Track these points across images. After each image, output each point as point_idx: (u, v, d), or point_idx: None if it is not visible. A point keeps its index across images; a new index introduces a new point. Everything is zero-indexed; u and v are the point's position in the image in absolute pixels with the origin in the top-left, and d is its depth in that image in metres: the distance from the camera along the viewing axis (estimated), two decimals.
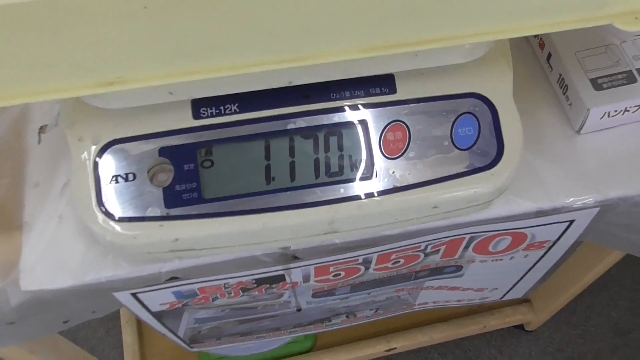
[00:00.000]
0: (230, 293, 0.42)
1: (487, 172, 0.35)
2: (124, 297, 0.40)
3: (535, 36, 0.43)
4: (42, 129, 0.39)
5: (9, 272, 0.38)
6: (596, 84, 0.39)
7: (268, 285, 0.42)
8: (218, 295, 0.43)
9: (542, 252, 0.46)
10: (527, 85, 0.43)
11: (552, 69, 0.42)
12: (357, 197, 0.34)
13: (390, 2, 0.29)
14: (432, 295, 0.55)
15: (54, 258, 0.37)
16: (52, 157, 0.41)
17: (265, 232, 0.34)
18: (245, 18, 0.28)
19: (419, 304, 0.61)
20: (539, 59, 0.44)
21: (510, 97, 0.36)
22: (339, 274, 0.44)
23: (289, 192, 0.34)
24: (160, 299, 0.42)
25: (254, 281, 0.41)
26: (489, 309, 0.82)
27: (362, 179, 0.34)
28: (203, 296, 0.43)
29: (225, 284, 0.40)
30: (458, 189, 0.35)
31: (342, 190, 0.34)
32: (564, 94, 0.41)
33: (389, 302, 0.59)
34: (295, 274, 0.42)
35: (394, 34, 0.30)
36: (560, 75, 0.41)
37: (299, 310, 0.54)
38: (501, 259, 0.47)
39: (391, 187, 0.34)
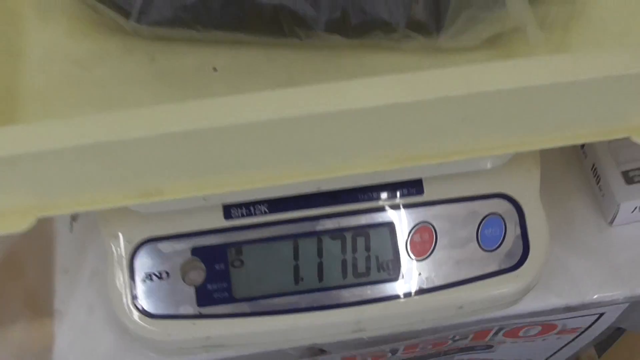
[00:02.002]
0: None
1: (513, 273, 0.41)
2: None
3: None
4: (74, 218, 0.46)
5: (43, 358, 0.44)
6: (627, 177, 0.45)
7: None
8: None
9: (574, 335, 0.52)
10: (563, 170, 0.48)
11: (586, 156, 0.48)
12: (384, 299, 0.40)
13: (415, 124, 0.35)
14: None
15: (86, 347, 0.44)
16: (81, 244, 0.47)
17: (294, 332, 0.40)
18: (277, 141, 0.34)
19: None
20: (575, 146, 0.49)
21: (537, 196, 0.41)
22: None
23: (317, 293, 0.40)
24: None
25: None
26: None
27: (389, 280, 0.40)
28: None
29: None
30: (483, 290, 0.40)
31: (369, 292, 0.40)
32: (597, 184, 0.46)
33: None
34: None
35: (421, 148, 0.36)
36: (594, 164, 0.46)
37: None
38: (533, 341, 0.53)
39: (417, 288, 0.40)
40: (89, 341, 0.43)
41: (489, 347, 0.53)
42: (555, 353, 0.57)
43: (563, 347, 0.55)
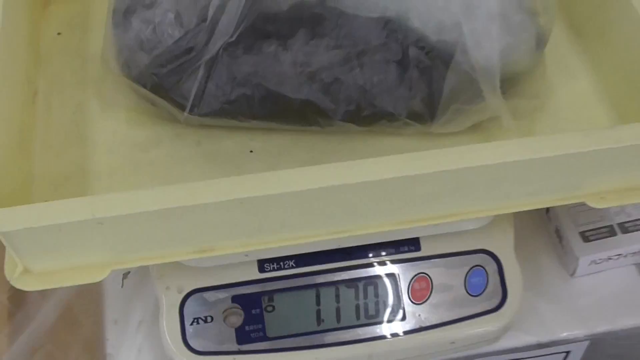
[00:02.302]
0: None
1: (494, 314, 0.50)
2: None
3: None
4: (125, 276, 0.55)
5: None
6: (584, 237, 0.55)
7: None
8: None
9: None
10: (532, 232, 0.58)
11: (550, 220, 0.58)
12: (391, 336, 0.49)
13: (416, 192, 0.44)
14: None
15: None
16: (128, 298, 0.56)
17: None
18: (305, 207, 0.43)
19: None
20: (541, 212, 0.59)
21: (513, 252, 0.51)
22: None
23: (335, 332, 0.49)
24: None
25: None
26: None
27: (394, 320, 0.49)
28: None
29: None
30: (471, 328, 0.50)
31: (379, 330, 0.49)
32: (560, 243, 0.56)
33: None
34: None
35: (419, 213, 0.46)
36: (557, 227, 0.56)
37: None
38: None
39: (417, 327, 0.49)
40: None
41: None
42: None
43: None
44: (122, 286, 0.54)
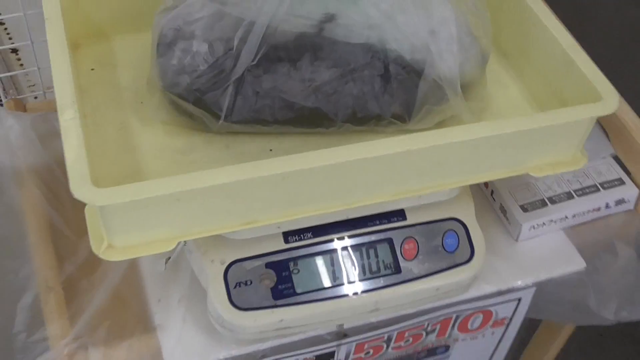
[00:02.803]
0: None
1: (466, 265, 0.65)
2: None
3: (484, 183, 0.75)
4: (167, 260, 0.66)
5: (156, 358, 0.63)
6: (523, 208, 0.71)
7: None
8: None
9: (503, 329, 0.75)
10: (481, 212, 0.74)
11: (495, 200, 0.74)
12: (391, 286, 0.63)
13: (403, 175, 0.59)
14: None
15: (186, 347, 0.63)
16: (166, 280, 0.67)
17: (334, 312, 0.62)
18: (330, 185, 0.57)
19: None
20: (486, 196, 0.75)
21: (474, 219, 0.66)
22: (369, 352, 0.71)
23: (348, 285, 0.62)
24: None
25: (314, 357, 0.67)
26: None
27: (393, 274, 0.63)
28: None
29: None
30: (450, 277, 0.64)
31: (381, 282, 0.63)
32: (505, 216, 0.73)
33: None
34: (342, 351, 0.68)
35: (407, 187, 0.60)
36: (501, 204, 0.73)
37: None
38: (477, 337, 0.76)
39: (410, 277, 0.63)
40: (188, 344, 0.63)
41: (446, 348, 0.76)
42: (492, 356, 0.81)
43: (497, 346, 0.78)
44: (165, 269, 0.66)
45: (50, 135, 0.73)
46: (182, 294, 0.66)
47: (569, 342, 0.94)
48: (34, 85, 0.86)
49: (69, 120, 0.55)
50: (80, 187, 0.51)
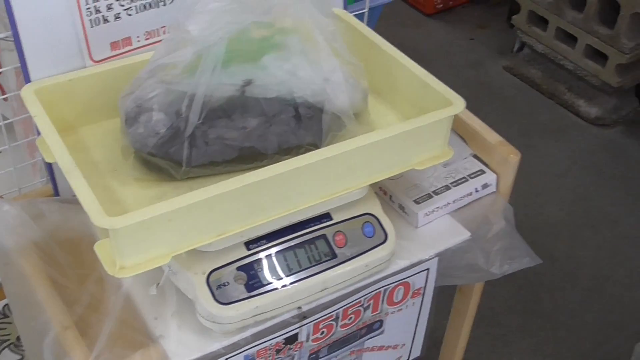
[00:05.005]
0: (269, 357, 0.87)
1: (383, 245, 0.88)
2: None
3: (381, 189, 0.99)
4: (157, 285, 0.85)
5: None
6: (416, 202, 0.96)
7: (289, 346, 0.88)
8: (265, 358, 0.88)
9: (421, 298, 0.98)
10: (385, 213, 0.98)
11: (393, 202, 0.98)
12: (332, 267, 0.85)
13: (326, 181, 0.82)
14: (370, 357, 1.03)
15: (186, 347, 0.82)
16: (157, 301, 0.86)
17: (294, 294, 0.83)
18: (275, 195, 0.80)
19: None
20: (386, 200, 0.99)
21: (382, 211, 0.90)
22: (324, 332, 0.91)
23: (300, 272, 0.84)
24: None
25: (284, 340, 0.87)
26: None
27: (332, 259, 0.85)
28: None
29: (269, 346, 0.86)
30: (373, 255, 0.87)
31: (325, 266, 0.85)
32: (404, 212, 0.97)
33: None
34: (303, 332, 0.88)
35: (332, 191, 0.83)
36: (399, 203, 0.97)
37: None
38: (402, 309, 0.98)
39: (345, 259, 0.86)
40: (185, 343, 0.82)
41: (380, 323, 0.98)
42: (416, 330, 1.03)
43: (419, 317, 1.00)
44: (156, 292, 0.85)
45: (38, 216, 0.92)
46: (172, 310, 0.86)
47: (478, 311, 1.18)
48: None
49: (76, 178, 0.76)
50: (99, 218, 0.72)
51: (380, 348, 1.05)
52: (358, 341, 1.00)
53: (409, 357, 1.11)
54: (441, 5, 3.05)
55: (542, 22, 2.58)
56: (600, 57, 2.42)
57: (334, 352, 0.98)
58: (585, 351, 1.83)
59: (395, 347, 1.07)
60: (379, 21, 1.75)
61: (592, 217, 2.20)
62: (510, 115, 2.57)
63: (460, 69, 2.77)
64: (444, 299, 1.09)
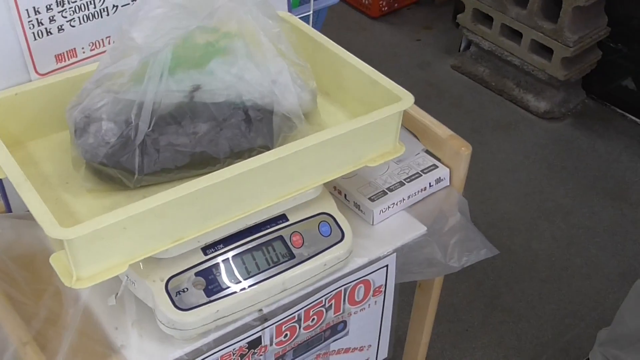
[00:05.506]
0: None
1: (340, 243, 0.89)
2: None
3: (335, 188, 1.01)
4: (116, 295, 0.85)
5: None
6: (371, 199, 0.97)
7: (253, 350, 0.89)
8: None
9: (382, 296, 0.99)
10: (340, 210, 0.99)
11: (348, 200, 0.99)
12: (290, 267, 0.85)
13: (279, 181, 0.83)
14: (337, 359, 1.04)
15: (148, 356, 0.82)
16: (116, 311, 0.86)
17: (254, 297, 0.84)
18: (228, 198, 0.80)
19: None
20: (341, 200, 1.00)
21: (337, 210, 0.91)
22: (287, 334, 0.92)
23: (258, 275, 0.84)
24: None
25: (247, 344, 0.87)
26: None
27: (290, 259, 0.86)
28: None
29: (232, 351, 0.86)
30: (331, 253, 0.88)
31: (284, 267, 0.85)
32: (359, 210, 0.98)
33: None
34: (266, 335, 0.89)
35: (286, 192, 0.84)
36: (354, 202, 0.98)
37: None
38: (364, 308, 0.99)
39: (303, 259, 0.86)
40: (147, 351, 0.82)
41: (344, 324, 0.98)
42: (380, 332, 1.04)
43: (382, 317, 1.01)
44: (115, 303, 0.85)
45: None
46: (133, 319, 0.85)
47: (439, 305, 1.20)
48: None
49: (27, 191, 0.76)
50: (53, 229, 0.72)
51: (347, 351, 1.06)
52: (323, 344, 1.01)
53: (376, 359, 1.12)
54: (386, 8, 3.10)
55: (487, 19, 2.64)
56: (545, 51, 2.48)
57: (299, 355, 0.99)
58: (547, 341, 1.87)
59: (361, 349, 1.08)
60: (324, 26, 1.77)
61: (546, 209, 2.24)
62: (460, 113, 2.62)
63: (408, 70, 2.81)
64: (405, 297, 1.10)
